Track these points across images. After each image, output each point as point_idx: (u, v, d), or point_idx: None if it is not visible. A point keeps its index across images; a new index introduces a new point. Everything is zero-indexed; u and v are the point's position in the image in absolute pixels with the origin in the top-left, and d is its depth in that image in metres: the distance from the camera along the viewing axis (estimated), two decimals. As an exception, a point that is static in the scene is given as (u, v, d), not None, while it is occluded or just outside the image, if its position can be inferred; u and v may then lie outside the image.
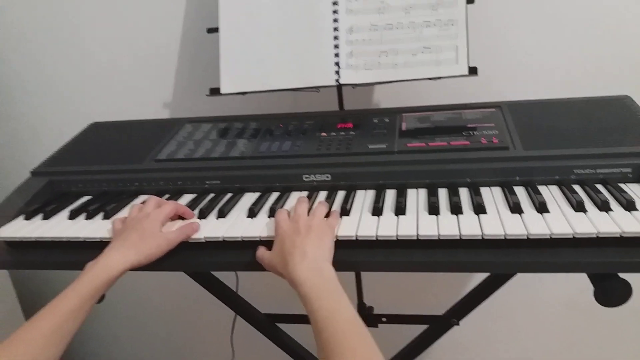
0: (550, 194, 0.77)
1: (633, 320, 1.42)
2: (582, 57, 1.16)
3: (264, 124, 1.05)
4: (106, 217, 0.86)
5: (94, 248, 0.79)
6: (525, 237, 0.67)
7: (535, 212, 0.72)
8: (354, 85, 1.05)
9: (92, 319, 1.77)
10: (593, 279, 0.69)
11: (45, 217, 0.88)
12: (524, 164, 0.81)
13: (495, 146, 0.85)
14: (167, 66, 1.37)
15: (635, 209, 0.69)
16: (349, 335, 0.58)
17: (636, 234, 0.64)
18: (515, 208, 0.72)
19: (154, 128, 1.11)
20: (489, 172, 0.82)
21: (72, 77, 1.44)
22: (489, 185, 0.82)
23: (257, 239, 0.76)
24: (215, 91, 1.09)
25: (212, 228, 0.79)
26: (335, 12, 1.05)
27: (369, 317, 1.18)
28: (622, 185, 0.76)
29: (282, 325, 1.20)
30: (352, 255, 0.72)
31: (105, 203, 0.91)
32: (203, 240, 0.77)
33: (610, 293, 0.67)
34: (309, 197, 0.85)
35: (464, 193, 0.80)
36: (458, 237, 0.68)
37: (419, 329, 1.14)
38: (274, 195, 0.88)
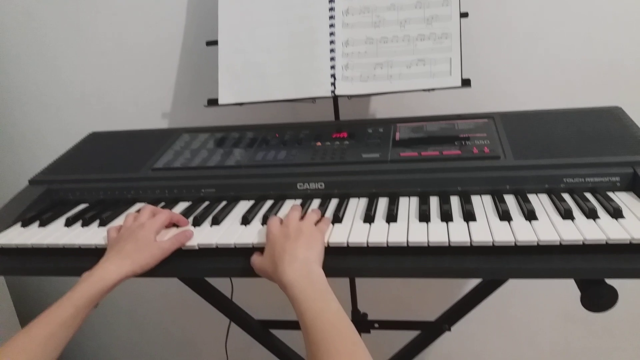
0: (540, 202, 0.78)
1: (628, 331, 1.42)
2: (575, 69, 1.18)
3: (261, 134, 1.07)
4: (102, 224, 0.87)
5: (90, 255, 0.80)
6: (512, 244, 0.68)
7: (524, 219, 0.73)
8: (350, 96, 1.07)
9: (90, 324, 1.78)
10: (580, 284, 0.70)
11: (42, 225, 0.89)
12: (514, 173, 0.83)
13: (487, 156, 0.86)
14: (167, 77, 1.39)
15: (622, 217, 0.70)
16: (334, 335, 0.59)
17: (622, 241, 0.65)
18: (504, 216, 0.73)
19: (152, 138, 1.13)
20: (480, 181, 0.83)
21: (72, 86, 1.46)
22: (480, 193, 0.83)
23: (250, 246, 0.77)
24: (213, 102, 1.11)
25: (205, 235, 0.80)
26: (331, 25, 1.07)
27: (362, 323, 1.19)
28: (611, 194, 0.78)
29: (275, 332, 1.20)
30: (344, 262, 0.73)
31: (102, 211, 0.92)
32: (197, 248, 0.78)
33: (597, 298, 0.68)
34: (302, 205, 0.86)
35: (454, 201, 0.81)
36: (447, 244, 0.69)
37: (412, 335, 1.14)
38: (268, 203, 0.89)
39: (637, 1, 1.11)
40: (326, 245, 0.73)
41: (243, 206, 0.90)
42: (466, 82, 0.99)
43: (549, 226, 0.70)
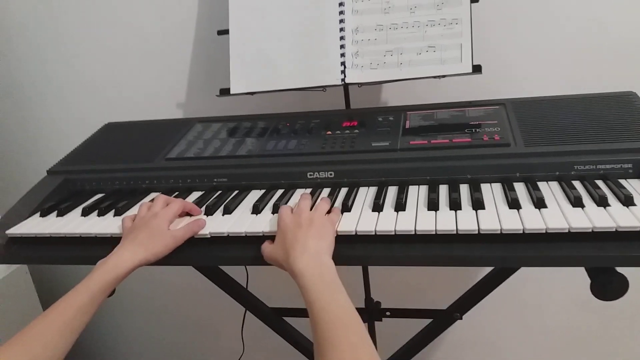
0: (550, 190, 0.78)
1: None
2: (588, 54, 1.16)
3: (272, 123, 1.08)
4: (117, 214, 0.89)
5: (105, 244, 0.82)
6: (521, 232, 0.67)
7: (533, 207, 0.72)
8: (360, 84, 1.06)
9: (108, 311, 1.82)
10: (591, 273, 0.70)
11: (60, 215, 0.92)
12: (524, 161, 0.82)
13: (497, 143, 0.86)
14: (180, 68, 1.41)
15: (634, 204, 0.70)
16: (339, 327, 0.60)
17: (632, 228, 0.65)
18: (513, 204, 0.73)
19: (165, 128, 1.14)
20: (490, 169, 0.83)
21: (88, 79, 1.49)
22: (490, 181, 0.83)
23: (261, 234, 0.78)
24: (225, 91, 1.12)
25: (217, 224, 0.81)
26: (341, 12, 1.07)
27: (374, 312, 1.20)
28: (622, 181, 0.77)
29: (289, 319, 1.22)
30: (353, 250, 0.74)
31: (117, 200, 0.94)
32: (209, 236, 0.80)
33: (607, 287, 0.67)
34: (312, 193, 0.87)
35: (464, 189, 0.81)
36: (455, 232, 0.69)
37: (426, 323, 1.15)
38: (279, 192, 0.90)
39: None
40: (335, 233, 0.74)
41: (254, 195, 0.91)
42: (477, 69, 0.98)
43: (558, 214, 0.69)
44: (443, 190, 0.82)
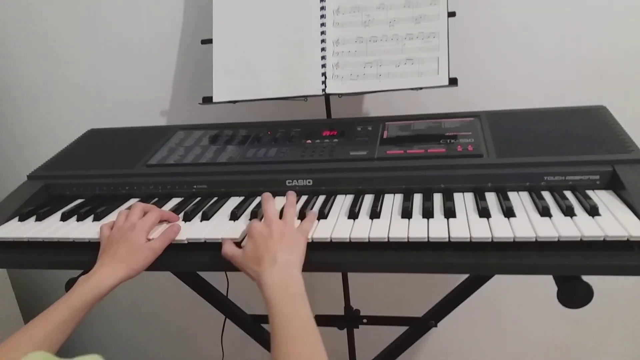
0: (520, 200, 0.80)
1: (620, 327, 1.44)
2: (563, 68, 1.19)
3: (253, 132, 1.09)
4: (96, 219, 0.90)
5: (84, 248, 0.83)
6: (489, 240, 0.69)
7: (503, 216, 0.74)
8: (340, 95, 1.09)
9: (91, 317, 1.81)
10: (557, 281, 0.72)
11: (39, 219, 0.92)
12: (496, 171, 0.84)
13: (470, 154, 0.88)
14: (165, 76, 1.42)
15: (598, 215, 0.72)
16: (296, 341, 0.62)
17: (596, 237, 0.67)
18: (484, 212, 0.75)
19: (148, 135, 1.15)
20: (463, 179, 0.85)
21: (73, 84, 1.49)
22: (463, 191, 0.85)
23: (238, 240, 0.79)
24: (207, 100, 1.14)
25: (195, 230, 0.82)
26: (323, 24, 1.09)
27: (352, 319, 1.21)
28: (589, 192, 0.79)
29: (267, 327, 1.22)
30: (328, 256, 0.75)
31: (96, 206, 0.95)
32: (186, 242, 0.81)
33: (572, 295, 0.70)
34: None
35: (437, 198, 0.83)
36: (426, 240, 0.71)
37: (402, 330, 1.16)
38: (257, 199, 0.91)
39: (624, 1, 1.12)
40: (310, 240, 0.76)
41: (233, 202, 0.92)
42: (453, 81, 1.01)
43: (526, 223, 0.72)
44: (417, 199, 0.84)
